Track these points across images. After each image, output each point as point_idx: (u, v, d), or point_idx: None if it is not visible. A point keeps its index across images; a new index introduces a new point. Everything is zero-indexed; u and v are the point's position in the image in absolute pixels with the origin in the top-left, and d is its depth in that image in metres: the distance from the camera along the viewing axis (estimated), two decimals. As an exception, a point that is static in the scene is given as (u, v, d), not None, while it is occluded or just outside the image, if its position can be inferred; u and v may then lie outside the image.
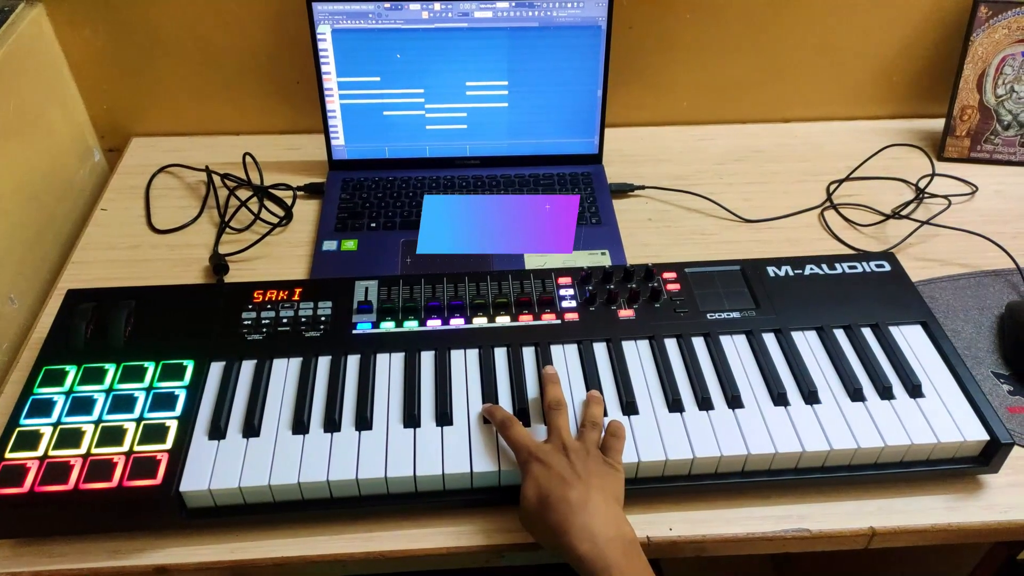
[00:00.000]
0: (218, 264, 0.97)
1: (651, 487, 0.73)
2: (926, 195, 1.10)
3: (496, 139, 1.10)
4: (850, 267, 0.89)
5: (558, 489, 0.65)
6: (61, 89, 1.12)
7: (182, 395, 0.75)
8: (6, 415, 0.75)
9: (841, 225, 1.06)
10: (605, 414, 0.75)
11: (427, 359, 0.80)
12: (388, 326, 0.82)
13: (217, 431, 0.73)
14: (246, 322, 0.82)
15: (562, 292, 0.86)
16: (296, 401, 0.75)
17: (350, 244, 1.00)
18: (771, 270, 0.89)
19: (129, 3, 1.08)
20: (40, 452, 0.70)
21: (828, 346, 0.81)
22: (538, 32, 1.03)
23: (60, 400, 0.74)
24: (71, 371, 0.77)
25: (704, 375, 0.78)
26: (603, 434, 0.72)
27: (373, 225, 1.03)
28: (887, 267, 0.89)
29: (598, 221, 1.03)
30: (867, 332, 0.83)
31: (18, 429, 0.72)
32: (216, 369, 0.78)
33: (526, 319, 0.83)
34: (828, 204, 1.09)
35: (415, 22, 1.02)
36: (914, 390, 0.77)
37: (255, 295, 0.84)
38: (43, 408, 0.73)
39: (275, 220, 1.04)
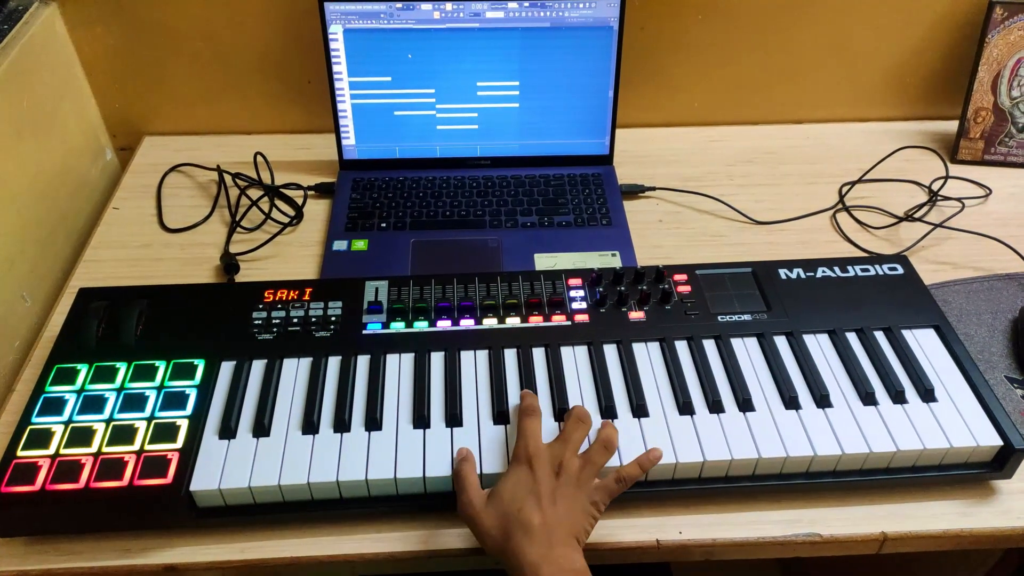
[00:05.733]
0: (229, 263, 0.97)
1: (661, 490, 0.72)
2: (939, 198, 1.09)
3: (507, 139, 1.10)
4: (862, 270, 0.89)
5: (527, 507, 0.64)
6: (74, 88, 1.13)
7: (193, 394, 0.75)
8: (18, 413, 0.75)
9: (853, 227, 1.05)
10: None
11: (437, 360, 0.80)
12: (398, 326, 0.82)
13: (227, 431, 0.73)
14: (256, 322, 0.82)
15: (572, 293, 0.86)
16: (306, 401, 0.76)
17: (360, 244, 1.00)
18: (783, 272, 0.88)
19: (141, 3, 1.09)
20: (51, 450, 0.70)
21: (840, 349, 0.81)
22: (550, 32, 1.03)
23: (71, 398, 0.74)
24: (83, 369, 0.77)
25: (715, 378, 0.78)
26: (608, 463, 0.70)
27: (383, 225, 1.03)
28: (900, 270, 0.89)
29: (608, 222, 1.03)
30: (879, 336, 0.82)
31: (30, 427, 0.72)
32: (227, 368, 0.78)
33: (536, 320, 0.83)
34: (840, 206, 1.08)
35: (427, 22, 1.02)
36: (927, 394, 0.77)
37: (266, 295, 0.84)
38: (54, 406, 0.74)
39: (286, 220, 1.04)
